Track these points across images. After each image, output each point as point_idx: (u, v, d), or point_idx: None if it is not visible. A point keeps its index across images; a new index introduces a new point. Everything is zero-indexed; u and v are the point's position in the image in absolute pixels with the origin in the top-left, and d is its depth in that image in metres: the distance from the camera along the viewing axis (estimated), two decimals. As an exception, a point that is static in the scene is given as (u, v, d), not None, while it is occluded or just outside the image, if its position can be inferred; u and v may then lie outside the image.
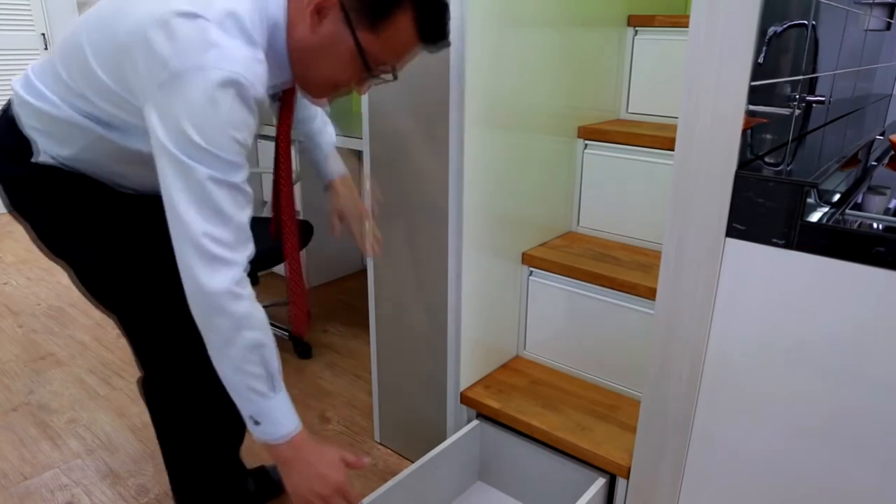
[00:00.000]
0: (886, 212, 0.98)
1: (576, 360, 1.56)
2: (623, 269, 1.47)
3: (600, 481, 1.29)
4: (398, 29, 0.90)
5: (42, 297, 2.65)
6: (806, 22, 1.10)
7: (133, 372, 2.08)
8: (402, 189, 1.43)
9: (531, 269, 1.57)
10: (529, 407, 1.45)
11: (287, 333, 2.27)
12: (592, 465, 1.32)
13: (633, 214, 1.62)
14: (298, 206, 2.59)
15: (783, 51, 1.01)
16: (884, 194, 1.06)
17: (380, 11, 0.88)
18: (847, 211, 0.95)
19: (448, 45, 0.97)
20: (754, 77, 0.90)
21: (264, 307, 0.95)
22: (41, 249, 1.13)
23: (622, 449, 1.30)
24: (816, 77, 1.25)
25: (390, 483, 1.28)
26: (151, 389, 1.24)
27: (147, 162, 1.00)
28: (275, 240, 1.19)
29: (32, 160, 1.03)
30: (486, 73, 1.30)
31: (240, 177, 0.88)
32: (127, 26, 0.86)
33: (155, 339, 1.15)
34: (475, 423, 1.50)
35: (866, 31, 1.61)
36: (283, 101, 1.07)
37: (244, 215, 0.90)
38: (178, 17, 0.82)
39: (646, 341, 1.38)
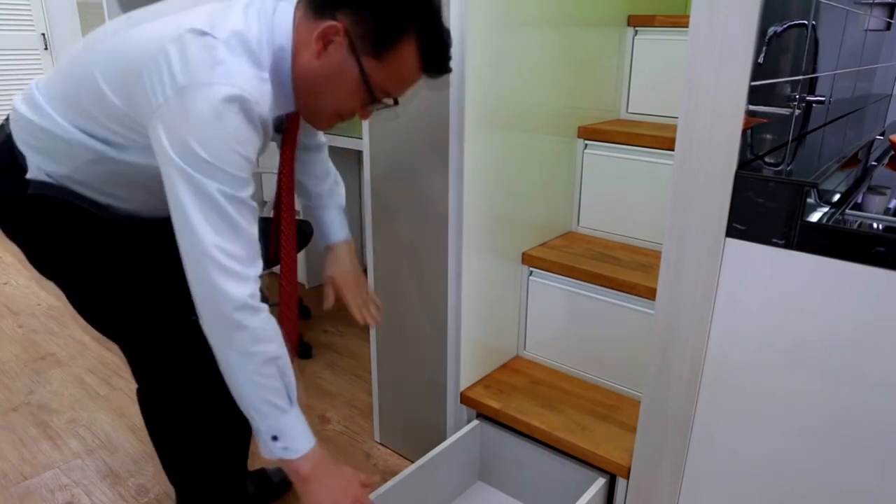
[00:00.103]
0: (886, 212, 0.98)
1: (576, 360, 1.56)
2: (623, 269, 1.47)
3: (600, 481, 1.29)
4: (402, 57, 0.92)
5: (42, 297, 2.65)
6: (806, 22, 1.10)
7: (133, 372, 2.09)
8: (403, 189, 1.43)
9: (531, 269, 1.57)
10: (529, 407, 1.44)
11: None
12: (592, 465, 1.32)
13: (633, 214, 1.62)
14: (298, 205, 2.58)
15: (783, 51, 1.01)
16: (884, 194, 1.06)
17: (385, 40, 0.90)
18: (847, 211, 0.95)
19: (449, 72, 0.99)
20: (754, 77, 0.90)
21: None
22: (35, 268, 1.12)
23: (622, 449, 1.30)
24: (816, 77, 1.25)
25: (390, 483, 1.28)
26: (147, 405, 1.24)
27: (143, 183, 1.02)
28: (271, 265, 1.19)
29: (26, 177, 1.02)
30: (486, 74, 1.30)
31: (246, 192, 0.89)
32: (140, 45, 0.88)
33: (150, 358, 1.13)
34: (475, 423, 1.49)
35: (866, 31, 1.61)
36: (286, 130, 1.07)
37: (253, 230, 0.90)
38: (189, 34, 0.84)
39: (646, 341, 1.38)
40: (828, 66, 1.31)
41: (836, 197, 1.00)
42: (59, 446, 1.72)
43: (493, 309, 1.53)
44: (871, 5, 1.58)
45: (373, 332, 1.63)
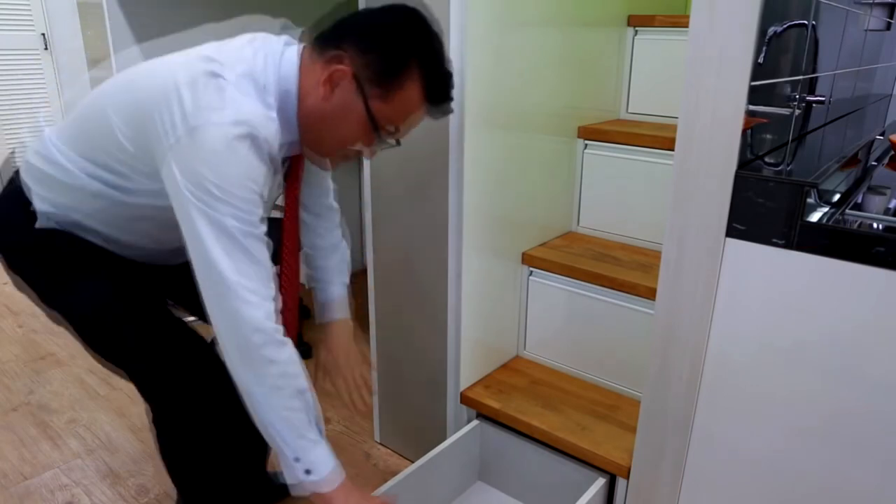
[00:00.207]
0: (886, 212, 0.98)
1: (576, 360, 1.56)
2: (623, 269, 1.47)
3: (600, 481, 1.29)
4: (407, 95, 0.94)
5: (42, 297, 2.65)
6: (806, 22, 1.10)
7: (133, 372, 2.09)
8: (402, 189, 1.43)
9: (531, 269, 1.57)
10: (529, 407, 1.44)
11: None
12: (592, 465, 1.32)
13: (633, 214, 1.62)
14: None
15: (783, 51, 1.01)
16: (884, 194, 1.06)
17: (391, 79, 0.93)
18: (847, 211, 0.95)
19: (451, 110, 1.02)
20: (754, 77, 0.90)
21: None
22: (42, 309, 1.13)
23: (622, 449, 1.30)
24: (816, 77, 1.25)
25: (390, 483, 1.28)
26: (163, 432, 1.21)
27: (147, 229, 1.06)
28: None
29: (36, 225, 1.04)
30: (486, 74, 1.30)
31: (260, 227, 0.90)
32: (152, 85, 0.91)
33: (163, 387, 1.11)
34: (475, 423, 1.49)
35: (866, 31, 1.61)
36: (290, 170, 1.08)
37: (268, 263, 0.92)
38: (202, 76, 0.88)
39: (646, 341, 1.38)
40: (828, 66, 1.31)
41: (836, 197, 1.00)
42: (59, 446, 1.72)
43: (493, 309, 1.53)
44: (871, 5, 1.58)
45: (373, 332, 1.63)
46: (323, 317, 1.29)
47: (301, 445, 0.93)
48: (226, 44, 0.97)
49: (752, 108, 0.93)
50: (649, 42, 1.68)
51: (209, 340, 1.09)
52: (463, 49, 1.23)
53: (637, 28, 1.69)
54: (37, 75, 3.72)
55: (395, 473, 1.34)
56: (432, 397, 1.55)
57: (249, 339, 0.88)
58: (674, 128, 0.99)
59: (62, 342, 2.28)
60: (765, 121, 1.02)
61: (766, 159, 1.01)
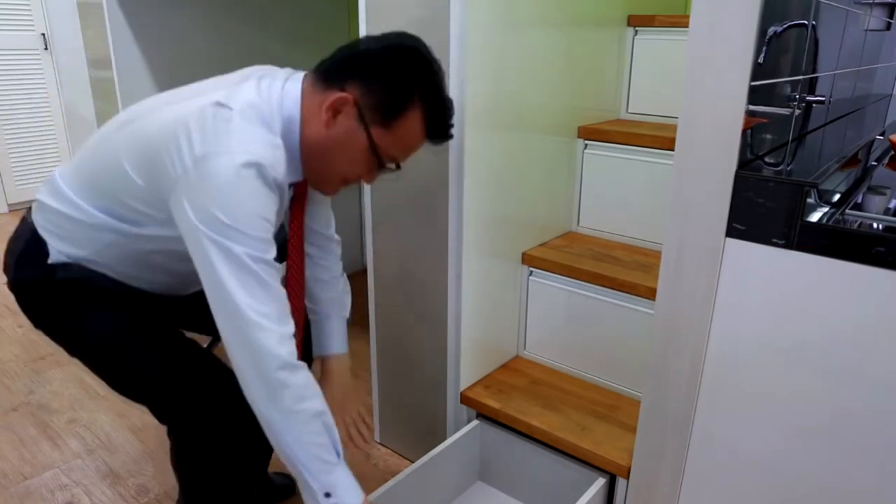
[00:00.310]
0: (886, 212, 0.98)
1: (576, 360, 1.56)
2: (623, 269, 1.47)
3: (600, 481, 1.29)
4: (408, 125, 0.97)
5: (42, 297, 2.65)
6: (806, 22, 1.10)
7: (133, 372, 2.09)
8: (403, 189, 1.43)
9: (531, 269, 1.57)
10: (529, 407, 1.44)
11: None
12: (592, 465, 1.32)
13: (633, 214, 1.62)
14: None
15: (783, 51, 1.01)
16: (884, 194, 1.06)
17: (393, 109, 0.95)
18: (847, 211, 0.95)
19: (451, 137, 1.04)
20: (754, 77, 0.90)
21: None
22: (66, 349, 1.14)
23: (622, 449, 1.30)
24: (816, 77, 1.25)
25: (390, 483, 1.28)
26: (182, 454, 1.20)
27: (159, 263, 1.07)
28: None
29: (48, 262, 1.06)
30: (486, 74, 1.30)
31: (270, 254, 0.91)
32: (161, 124, 0.93)
33: (182, 415, 1.09)
34: (475, 423, 1.49)
35: (866, 31, 1.61)
36: (295, 196, 1.09)
37: (281, 290, 0.93)
38: (209, 108, 0.90)
39: (646, 341, 1.38)
40: (828, 66, 1.31)
41: (836, 197, 1.00)
42: (59, 446, 1.72)
43: (493, 309, 1.53)
44: (871, 5, 1.58)
45: (373, 333, 1.63)
46: (320, 351, 1.28)
47: (321, 468, 0.94)
48: (231, 77, 1.00)
49: (752, 108, 0.93)
50: (649, 42, 1.68)
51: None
52: (463, 49, 1.23)
53: (637, 28, 1.69)
54: (37, 75, 3.72)
55: (395, 473, 1.34)
56: (432, 397, 1.55)
57: (265, 365, 0.89)
58: (674, 128, 0.99)
59: (62, 342, 2.28)
60: (765, 121, 1.02)
61: (766, 159, 1.01)
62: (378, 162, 0.99)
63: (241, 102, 0.92)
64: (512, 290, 1.58)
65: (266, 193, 0.90)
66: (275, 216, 0.93)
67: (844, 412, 0.93)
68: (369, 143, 0.96)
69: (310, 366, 0.97)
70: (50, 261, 1.05)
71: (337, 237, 1.28)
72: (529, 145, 1.49)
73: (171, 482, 1.51)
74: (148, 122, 0.96)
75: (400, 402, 1.64)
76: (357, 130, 0.96)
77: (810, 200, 0.91)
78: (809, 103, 1.24)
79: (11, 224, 3.64)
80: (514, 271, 1.56)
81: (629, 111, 1.77)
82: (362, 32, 1.37)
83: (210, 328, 0.96)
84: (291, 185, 1.05)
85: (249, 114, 0.92)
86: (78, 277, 1.06)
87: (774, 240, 0.92)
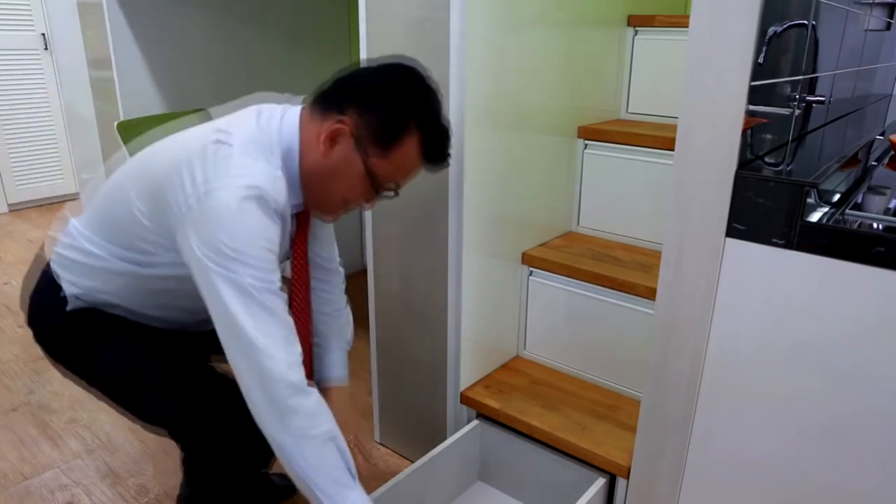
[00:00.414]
0: (886, 212, 0.98)
1: (576, 360, 1.56)
2: (623, 269, 1.47)
3: (600, 481, 1.30)
4: (405, 153, 0.99)
5: (42, 297, 2.65)
6: (806, 22, 1.10)
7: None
8: (403, 189, 1.43)
9: (531, 269, 1.57)
10: (529, 407, 1.44)
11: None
12: (592, 465, 1.32)
13: (633, 214, 1.62)
14: None
15: (783, 51, 1.01)
16: (884, 194, 1.06)
17: (389, 137, 0.96)
18: (847, 211, 0.95)
19: (448, 165, 1.07)
20: (754, 77, 0.90)
21: None
22: (89, 385, 1.14)
23: (622, 449, 1.30)
24: (816, 77, 1.25)
25: (390, 483, 1.28)
26: (193, 468, 1.21)
27: (175, 301, 1.10)
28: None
29: (67, 309, 1.09)
30: (486, 74, 1.30)
31: (276, 283, 0.93)
32: (167, 162, 0.96)
33: (203, 440, 1.09)
34: (475, 423, 1.50)
35: (866, 31, 1.61)
36: (298, 226, 1.10)
37: (287, 316, 0.95)
38: (211, 145, 0.93)
39: (646, 341, 1.38)
40: (828, 66, 1.31)
41: (836, 197, 1.00)
42: (59, 446, 1.72)
43: (493, 309, 1.53)
44: (871, 5, 1.58)
45: (373, 333, 1.63)
46: (321, 379, 1.27)
47: (336, 491, 0.94)
48: (233, 116, 1.02)
49: (752, 108, 0.93)
50: (649, 42, 1.68)
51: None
52: (463, 49, 1.23)
53: (637, 28, 1.69)
54: (37, 75, 3.72)
55: (395, 473, 1.34)
56: (432, 397, 1.55)
57: (275, 392, 0.91)
58: (674, 128, 0.99)
59: (62, 342, 2.28)
60: (765, 121, 1.02)
61: (766, 159, 1.01)
62: (376, 188, 1.01)
63: (240, 138, 0.95)
64: (512, 290, 1.58)
65: (268, 223, 0.92)
66: (278, 246, 0.95)
67: (844, 412, 0.93)
68: (366, 170, 0.98)
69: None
70: (68, 308, 1.09)
71: (341, 269, 1.30)
72: (529, 145, 1.49)
73: (170, 482, 1.51)
74: (155, 164, 0.99)
75: (400, 402, 1.64)
76: (354, 159, 0.97)
77: (810, 200, 0.91)
78: (809, 103, 1.24)
79: (11, 224, 3.64)
80: (514, 271, 1.56)
81: (629, 111, 1.77)
82: (362, 32, 1.37)
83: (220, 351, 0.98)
84: (293, 215, 1.07)
85: (249, 148, 0.95)
86: (93, 319, 1.10)
87: (774, 240, 0.92)
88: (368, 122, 0.96)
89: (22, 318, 2.44)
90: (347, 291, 1.33)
